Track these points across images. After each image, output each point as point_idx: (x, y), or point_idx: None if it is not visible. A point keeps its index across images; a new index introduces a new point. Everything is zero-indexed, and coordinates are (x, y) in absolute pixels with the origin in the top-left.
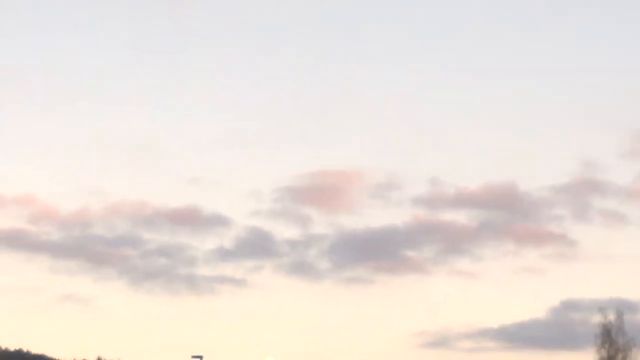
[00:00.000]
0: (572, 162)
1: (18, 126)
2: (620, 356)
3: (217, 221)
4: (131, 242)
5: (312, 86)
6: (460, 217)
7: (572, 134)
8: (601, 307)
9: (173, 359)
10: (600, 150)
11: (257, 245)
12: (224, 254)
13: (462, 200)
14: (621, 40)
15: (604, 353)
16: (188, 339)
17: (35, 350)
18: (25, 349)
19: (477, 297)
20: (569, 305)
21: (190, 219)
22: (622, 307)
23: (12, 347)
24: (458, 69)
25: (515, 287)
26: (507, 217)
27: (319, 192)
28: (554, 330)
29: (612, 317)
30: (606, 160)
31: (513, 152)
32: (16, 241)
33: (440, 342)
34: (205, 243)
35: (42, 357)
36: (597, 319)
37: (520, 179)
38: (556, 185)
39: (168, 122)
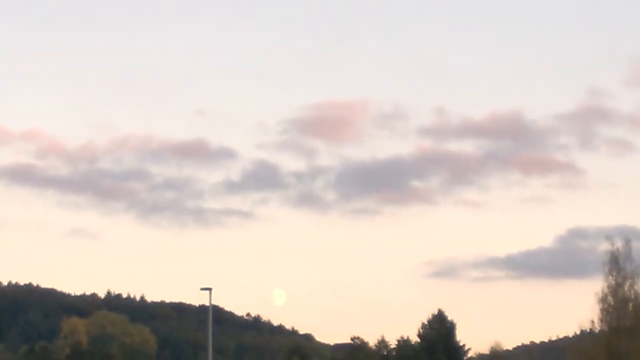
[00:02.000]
0: (577, 90)
1: (24, 61)
2: (627, 283)
3: (224, 154)
4: (138, 176)
5: (318, 18)
6: (466, 146)
7: (578, 62)
8: (608, 235)
9: (182, 292)
10: (605, 79)
11: (263, 178)
12: (231, 187)
13: (467, 130)
14: None
15: (611, 280)
16: (197, 271)
17: (44, 284)
18: (35, 284)
19: (484, 227)
20: (576, 234)
21: (196, 152)
22: (629, 235)
23: (22, 281)
24: None
25: (521, 216)
26: (513, 146)
27: (325, 123)
28: (561, 258)
29: (619, 244)
30: (612, 88)
31: (518, 81)
32: (23, 176)
33: (447, 271)
34: (212, 176)
35: (52, 291)
36: (604, 246)
37: (526, 107)
38: (562, 114)
39: (174, 55)
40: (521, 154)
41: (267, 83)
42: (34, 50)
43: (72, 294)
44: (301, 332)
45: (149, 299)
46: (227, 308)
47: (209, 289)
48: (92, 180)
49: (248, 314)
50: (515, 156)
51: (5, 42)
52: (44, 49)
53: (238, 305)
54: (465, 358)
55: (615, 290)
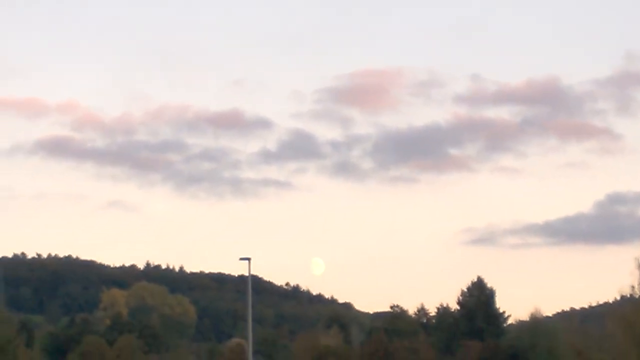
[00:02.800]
0: (615, 55)
1: (59, 34)
2: None
3: (260, 124)
4: (175, 147)
5: None
6: (502, 113)
7: (615, 27)
8: None
9: (221, 262)
10: None
11: (300, 147)
12: (268, 157)
13: (504, 96)
14: None
15: None
16: (235, 241)
17: (84, 256)
18: (74, 256)
19: (522, 194)
20: (615, 199)
21: (233, 122)
22: None
23: (62, 254)
24: None
25: (559, 182)
26: (550, 112)
27: (361, 92)
28: (600, 224)
29: None
30: None
31: (555, 46)
32: (61, 149)
33: (486, 238)
34: (249, 146)
35: (92, 263)
36: None
37: (563, 73)
38: (599, 79)
39: (210, 26)
40: (558, 119)
41: (303, 53)
42: (70, 23)
43: (112, 266)
44: (340, 300)
45: (188, 269)
46: (266, 278)
47: (248, 259)
48: (129, 152)
49: (287, 284)
50: (552, 122)
51: (41, 15)
52: (80, 22)
53: (277, 274)
54: (505, 325)
55: None
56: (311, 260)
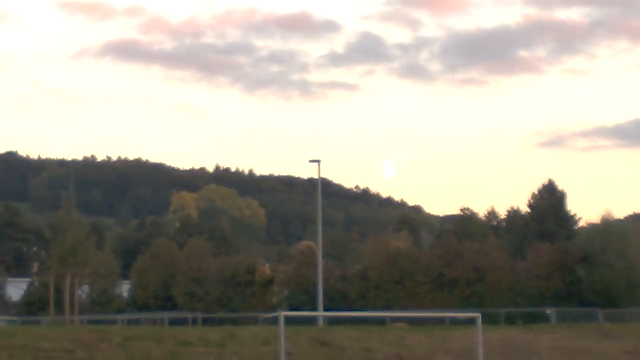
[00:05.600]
0: None
1: None
2: None
3: (328, 26)
4: (243, 50)
5: None
6: (573, 14)
7: None
8: None
9: (291, 165)
10: None
11: (368, 50)
12: (336, 60)
13: None
14: None
15: None
16: (304, 145)
17: (154, 159)
18: (144, 159)
19: (592, 96)
20: None
21: (301, 24)
22: None
23: (132, 157)
24: None
25: (630, 84)
26: (621, 13)
27: None
28: None
29: None
30: None
31: None
32: (129, 52)
33: (555, 141)
34: (317, 49)
35: (161, 166)
36: None
37: None
38: None
39: None
40: (629, 21)
41: None
42: None
43: (181, 169)
44: (410, 204)
45: (258, 172)
46: (336, 181)
47: (318, 162)
48: (197, 55)
49: (357, 187)
50: (623, 23)
51: None
52: None
53: (347, 177)
54: (576, 228)
55: None
56: (381, 163)
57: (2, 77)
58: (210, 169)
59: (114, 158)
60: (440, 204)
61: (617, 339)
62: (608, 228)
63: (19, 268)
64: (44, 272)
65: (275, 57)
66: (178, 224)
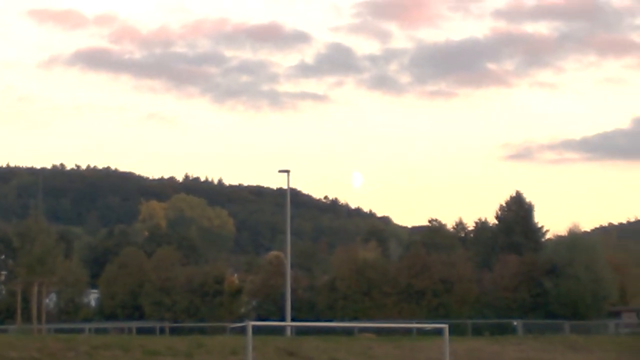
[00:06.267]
0: None
1: None
2: None
3: (298, 37)
4: (213, 60)
5: None
6: (541, 28)
7: None
8: None
9: (260, 175)
10: None
11: (337, 61)
12: (305, 70)
13: (543, 11)
14: None
15: None
16: (274, 154)
17: (123, 168)
18: (113, 168)
19: (559, 109)
20: None
21: (271, 35)
22: None
23: (101, 165)
24: None
25: (597, 97)
26: (588, 27)
27: (399, 6)
28: (637, 139)
29: None
30: None
31: None
32: (99, 61)
33: (523, 154)
34: (287, 59)
35: (130, 175)
36: None
37: None
38: None
39: None
40: (597, 34)
41: None
42: None
43: (151, 178)
44: (379, 214)
45: (227, 182)
46: (305, 191)
47: (287, 171)
48: (167, 64)
49: (326, 197)
50: (591, 37)
51: None
52: None
53: (316, 188)
54: (543, 240)
55: None
56: (350, 173)
57: None
58: (180, 178)
59: (83, 166)
60: (408, 214)
61: (583, 350)
62: (575, 240)
63: None
64: (11, 280)
65: (245, 67)
66: (146, 233)
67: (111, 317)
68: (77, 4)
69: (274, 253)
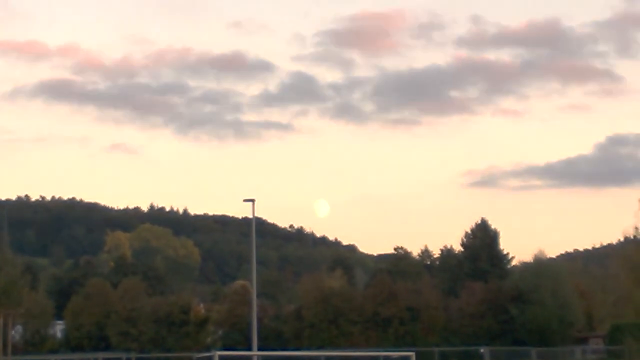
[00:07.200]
0: None
1: None
2: None
3: (261, 66)
4: (176, 90)
5: None
6: (503, 55)
7: None
8: None
9: (225, 204)
10: None
11: (301, 90)
12: (269, 99)
13: (505, 39)
14: None
15: None
16: (238, 184)
17: (88, 199)
18: (78, 198)
19: (523, 136)
20: (616, 141)
21: (234, 64)
22: None
23: (66, 196)
24: None
25: (560, 124)
26: (550, 54)
27: (361, 34)
28: (601, 166)
29: None
30: None
31: None
32: (62, 92)
33: (487, 181)
34: (250, 89)
35: (95, 206)
36: None
37: (563, 15)
38: (600, 21)
39: None
40: (559, 62)
41: None
42: None
43: (116, 208)
44: (344, 243)
45: (192, 212)
46: (270, 220)
47: (252, 201)
48: (131, 94)
49: (291, 226)
50: (553, 64)
51: None
52: None
53: (281, 217)
54: (509, 266)
55: None
56: (315, 202)
57: None
58: (145, 208)
59: (48, 198)
60: (374, 243)
61: None
62: (540, 267)
63: None
64: None
65: (208, 97)
66: (112, 264)
67: (77, 348)
68: (40, 35)
69: (239, 282)
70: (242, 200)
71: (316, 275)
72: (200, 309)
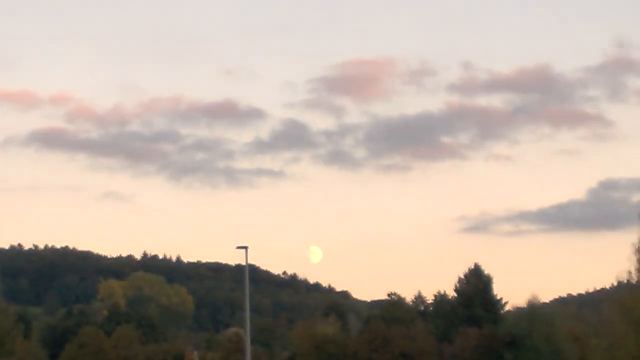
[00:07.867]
0: (605, 42)
1: (50, 25)
2: None
3: (253, 114)
4: (168, 138)
5: None
6: (495, 101)
7: (605, 14)
8: None
9: (218, 252)
10: (633, 30)
11: (293, 137)
12: (261, 147)
13: (496, 85)
14: None
15: None
16: (231, 231)
17: (80, 247)
18: (71, 247)
19: (515, 181)
20: (607, 186)
21: (226, 112)
22: None
23: (58, 245)
24: None
25: (552, 169)
26: (542, 99)
27: (353, 81)
28: (593, 211)
29: None
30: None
31: (546, 33)
32: (54, 141)
33: (480, 226)
34: (242, 136)
35: (88, 254)
36: (636, 197)
37: (554, 60)
38: (590, 66)
39: (200, 16)
40: (550, 107)
41: (295, 42)
42: (61, 15)
43: (109, 256)
44: (338, 289)
45: (185, 259)
46: (264, 267)
47: (245, 248)
48: (123, 143)
49: (284, 273)
50: (544, 109)
51: (32, 7)
52: (71, 14)
53: (274, 264)
54: (502, 312)
55: None
56: (308, 249)
57: None
58: (138, 256)
59: (41, 246)
60: (367, 289)
61: None
62: (534, 312)
63: None
64: None
65: (200, 145)
66: (105, 312)
67: None
68: (32, 84)
69: (233, 330)
70: (235, 247)
71: (310, 321)
72: (194, 356)
